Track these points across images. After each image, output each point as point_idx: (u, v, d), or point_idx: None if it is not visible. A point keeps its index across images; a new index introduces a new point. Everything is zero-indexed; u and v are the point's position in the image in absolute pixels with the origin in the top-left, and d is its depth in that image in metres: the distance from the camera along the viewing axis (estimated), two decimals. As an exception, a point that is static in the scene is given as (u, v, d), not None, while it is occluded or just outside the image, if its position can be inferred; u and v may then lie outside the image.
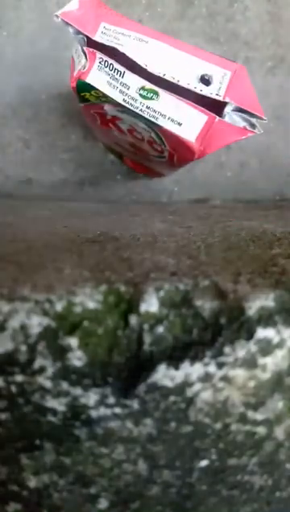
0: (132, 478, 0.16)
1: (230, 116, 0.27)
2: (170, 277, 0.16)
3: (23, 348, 0.15)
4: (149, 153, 0.32)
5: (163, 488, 0.17)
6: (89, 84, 0.26)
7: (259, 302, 0.15)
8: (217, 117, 0.25)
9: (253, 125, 0.26)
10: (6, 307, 0.15)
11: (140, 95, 0.26)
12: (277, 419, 0.16)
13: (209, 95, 0.26)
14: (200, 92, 0.27)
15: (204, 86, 0.27)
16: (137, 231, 0.23)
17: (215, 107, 0.28)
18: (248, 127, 0.26)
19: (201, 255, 0.19)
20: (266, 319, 0.15)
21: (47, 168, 0.39)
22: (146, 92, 0.26)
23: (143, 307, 0.15)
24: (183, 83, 0.26)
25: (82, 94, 0.27)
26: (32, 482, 0.16)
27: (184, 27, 0.38)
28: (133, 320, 0.15)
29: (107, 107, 0.28)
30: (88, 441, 0.16)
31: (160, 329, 0.15)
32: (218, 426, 0.16)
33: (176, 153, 0.29)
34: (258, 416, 0.16)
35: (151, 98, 0.26)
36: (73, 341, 0.15)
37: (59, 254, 0.19)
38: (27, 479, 0.16)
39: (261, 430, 0.16)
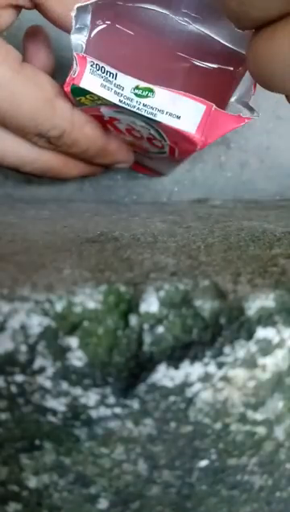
0: (132, 478, 0.16)
1: (233, 104, 0.27)
2: (170, 277, 0.16)
3: (23, 348, 0.15)
4: (149, 150, 0.32)
5: (163, 488, 0.17)
6: (83, 88, 0.26)
7: (259, 302, 0.15)
8: (214, 106, 0.25)
9: (250, 111, 0.27)
10: (6, 307, 0.15)
11: (135, 94, 0.26)
12: (277, 419, 0.16)
13: (239, 50, 0.27)
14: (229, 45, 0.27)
15: (239, 36, 0.27)
16: (137, 231, 0.23)
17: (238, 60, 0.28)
18: (243, 114, 0.26)
19: (201, 255, 0.19)
20: (266, 319, 0.15)
21: (47, 168, 0.39)
22: (140, 90, 0.26)
23: (143, 307, 0.15)
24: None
25: (78, 99, 0.27)
26: (32, 482, 0.16)
27: (184, 27, 0.37)
28: (133, 320, 0.15)
29: (103, 109, 0.28)
30: (88, 441, 0.16)
31: (160, 329, 0.15)
32: (218, 426, 0.16)
33: (177, 146, 0.29)
34: (258, 416, 0.16)
35: (147, 96, 0.26)
36: (73, 341, 0.15)
37: (59, 254, 0.19)
38: (27, 479, 0.16)
39: (261, 430, 0.16)
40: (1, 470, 0.16)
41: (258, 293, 0.15)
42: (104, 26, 0.29)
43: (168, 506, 0.17)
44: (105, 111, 0.28)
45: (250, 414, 0.16)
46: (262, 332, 0.15)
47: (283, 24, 0.19)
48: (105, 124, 0.30)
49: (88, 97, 0.27)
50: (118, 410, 0.15)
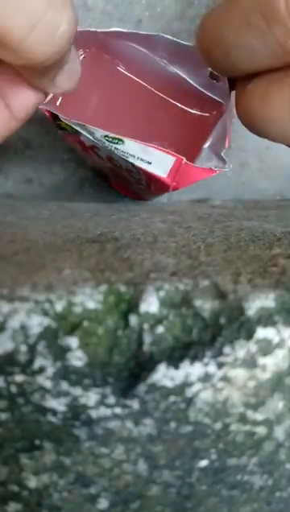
0: (132, 478, 0.16)
1: (206, 151, 0.28)
2: (170, 277, 0.16)
3: (23, 348, 0.15)
4: (129, 179, 0.32)
5: (163, 488, 0.17)
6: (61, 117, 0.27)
7: (259, 302, 0.15)
8: (184, 160, 0.26)
9: (222, 162, 0.27)
10: (6, 307, 0.15)
11: (106, 140, 0.26)
12: (277, 419, 0.16)
13: (213, 96, 0.27)
14: (207, 92, 0.27)
15: (213, 83, 0.27)
16: (137, 231, 0.23)
17: (217, 108, 0.28)
18: (215, 167, 0.27)
19: (201, 255, 0.19)
20: (266, 319, 0.15)
21: (47, 168, 0.39)
22: (110, 138, 0.27)
23: (143, 307, 0.15)
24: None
25: (58, 122, 0.28)
26: (32, 482, 0.16)
27: (184, 27, 0.37)
28: (133, 320, 0.15)
29: (83, 138, 0.28)
30: (88, 441, 0.16)
31: (160, 329, 0.15)
32: (218, 426, 0.16)
33: (152, 183, 0.30)
34: (258, 416, 0.16)
35: (117, 143, 0.27)
36: (73, 341, 0.15)
37: (59, 254, 0.19)
38: (27, 479, 0.16)
39: (261, 430, 0.16)
40: (1, 470, 0.16)
41: (258, 293, 0.15)
42: (85, 54, 0.29)
43: (168, 506, 0.17)
44: (85, 140, 0.28)
45: (250, 414, 0.16)
46: (262, 332, 0.15)
47: (278, 81, 0.19)
48: (86, 149, 0.31)
49: (68, 125, 0.27)
50: (118, 410, 0.15)
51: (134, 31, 0.27)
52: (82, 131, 0.26)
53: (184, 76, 0.29)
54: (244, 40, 0.18)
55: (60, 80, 0.22)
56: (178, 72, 0.29)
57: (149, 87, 0.30)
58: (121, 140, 0.26)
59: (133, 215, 0.29)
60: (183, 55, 0.28)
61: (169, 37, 0.27)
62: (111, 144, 0.26)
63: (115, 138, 0.26)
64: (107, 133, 0.26)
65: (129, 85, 0.30)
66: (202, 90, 0.29)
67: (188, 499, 0.17)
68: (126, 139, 0.26)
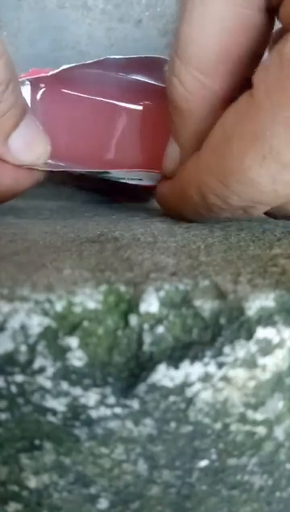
0: (132, 478, 0.16)
1: None
2: (170, 277, 0.16)
3: (23, 348, 0.15)
4: (125, 189, 0.33)
5: (163, 488, 0.17)
6: None
7: (259, 302, 0.15)
8: None
9: None
10: (6, 307, 0.15)
11: (91, 174, 0.27)
12: (277, 419, 0.16)
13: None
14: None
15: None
16: (137, 231, 0.23)
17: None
18: None
19: (201, 255, 0.19)
20: (266, 319, 0.15)
21: (47, 168, 0.39)
22: (95, 173, 0.27)
23: (143, 307, 0.15)
24: None
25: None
26: (32, 482, 0.16)
27: (184, 27, 0.37)
28: (133, 320, 0.15)
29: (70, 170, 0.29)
30: (88, 441, 0.16)
31: (160, 329, 0.15)
32: (218, 426, 0.16)
33: (151, 188, 0.30)
34: (258, 416, 0.16)
35: (103, 174, 0.28)
36: (73, 341, 0.15)
37: (59, 254, 0.19)
38: (27, 479, 0.16)
39: (261, 430, 0.16)
40: (1, 470, 0.16)
41: (258, 293, 0.15)
42: (45, 89, 0.30)
43: (168, 506, 0.17)
44: (71, 171, 0.29)
45: (250, 414, 0.16)
46: (262, 332, 0.15)
47: None
48: (77, 177, 0.31)
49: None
50: (118, 410, 0.15)
51: (81, 63, 0.28)
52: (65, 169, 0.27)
53: (146, 80, 0.29)
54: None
55: (15, 145, 0.22)
56: (138, 78, 0.29)
57: (115, 102, 0.31)
58: (106, 172, 0.27)
59: (133, 215, 0.29)
60: (137, 65, 0.28)
61: (117, 56, 0.27)
62: (98, 175, 0.27)
63: (99, 172, 0.27)
64: (90, 170, 0.26)
65: (97, 109, 0.31)
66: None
67: (188, 499, 0.17)
68: (110, 170, 0.26)
